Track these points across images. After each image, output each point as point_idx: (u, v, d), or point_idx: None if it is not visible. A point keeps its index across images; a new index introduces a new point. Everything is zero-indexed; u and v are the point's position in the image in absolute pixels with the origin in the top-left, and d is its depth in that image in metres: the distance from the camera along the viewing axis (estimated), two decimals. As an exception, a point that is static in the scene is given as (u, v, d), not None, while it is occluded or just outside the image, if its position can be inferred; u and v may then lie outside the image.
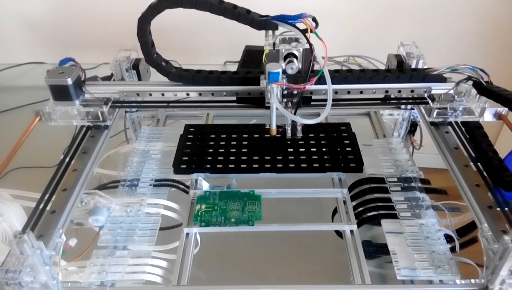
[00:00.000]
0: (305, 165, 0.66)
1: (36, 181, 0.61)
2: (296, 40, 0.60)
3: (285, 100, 0.62)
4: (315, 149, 0.69)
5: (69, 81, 0.63)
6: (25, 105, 1.08)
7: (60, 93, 0.64)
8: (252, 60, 1.03)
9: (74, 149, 0.64)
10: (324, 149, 0.69)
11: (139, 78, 0.77)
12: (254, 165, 0.67)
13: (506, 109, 0.62)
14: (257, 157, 0.68)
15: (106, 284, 0.52)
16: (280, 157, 0.68)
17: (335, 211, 0.64)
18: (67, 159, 0.62)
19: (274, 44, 0.60)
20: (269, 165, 0.66)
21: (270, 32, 0.60)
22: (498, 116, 0.65)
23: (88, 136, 0.68)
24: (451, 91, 0.65)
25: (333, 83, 0.58)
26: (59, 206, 0.55)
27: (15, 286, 0.46)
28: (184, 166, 0.67)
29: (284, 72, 0.59)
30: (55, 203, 0.56)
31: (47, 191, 0.56)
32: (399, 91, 0.67)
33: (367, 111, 0.86)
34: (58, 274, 0.51)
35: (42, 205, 0.54)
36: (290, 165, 0.66)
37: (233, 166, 0.67)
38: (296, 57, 0.59)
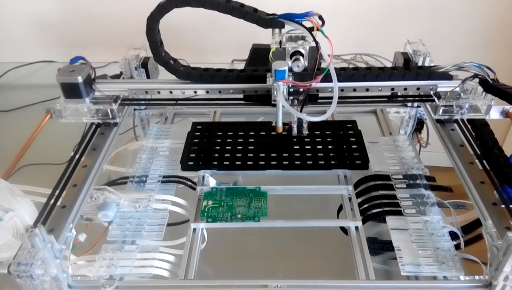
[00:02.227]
0: (311, 162, 0.67)
1: (47, 177, 0.62)
2: (303, 38, 0.60)
3: (291, 97, 0.63)
4: (321, 146, 0.70)
5: (80, 79, 0.64)
6: (36, 103, 1.10)
7: (71, 91, 0.65)
8: (259, 58, 1.04)
9: (84, 146, 0.66)
10: (330, 146, 0.70)
11: (148, 76, 0.78)
12: (261, 162, 0.67)
13: (513, 106, 0.62)
14: (263, 154, 0.69)
15: (114, 277, 0.53)
16: (286, 154, 0.68)
17: (340, 208, 0.65)
18: (77, 156, 0.64)
19: (280, 42, 0.61)
20: (275, 162, 0.67)
21: (276, 30, 0.60)
22: (505, 113, 0.65)
23: (98, 133, 0.69)
24: (457, 89, 0.65)
25: (339, 80, 0.59)
26: (70, 202, 0.57)
27: (27, 278, 0.47)
28: (192, 163, 0.68)
29: (290, 70, 0.60)
30: (66, 199, 0.57)
31: (58, 187, 0.58)
32: (405, 89, 0.67)
33: (373, 108, 0.86)
34: (68, 267, 0.52)
35: (53, 200, 0.56)
36: (296, 162, 0.67)
37: (239, 163, 0.67)
38: (302, 55, 0.60)
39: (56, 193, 0.57)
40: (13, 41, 1.40)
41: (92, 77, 0.68)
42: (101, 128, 0.70)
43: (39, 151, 0.74)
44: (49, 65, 1.33)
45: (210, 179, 0.67)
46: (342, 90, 0.67)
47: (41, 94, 1.08)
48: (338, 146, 0.70)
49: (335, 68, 0.59)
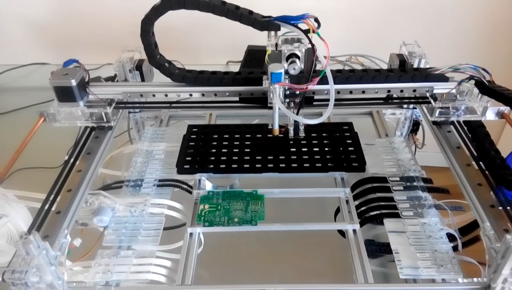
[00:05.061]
0: (307, 165, 0.67)
1: (41, 182, 0.61)
2: (298, 40, 0.60)
3: (288, 100, 0.62)
4: (317, 149, 0.70)
5: (73, 83, 0.63)
6: (29, 106, 1.08)
7: (65, 94, 0.65)
8: (255, 60, 1.04)
9: (78, 150, 0.65)
10: (326, 149, 0.70)
11: (142, 79, 0.77)
12: (257, 165, 0.67)
13: (508, 108, 0.62)
14: (260, 157, 0.68)
15: (111, 284, 0.52)
16: (283, 157, 0.68)
17: (337, 211, 0.64)
18: (72, 160, 0.63)
19: (276, 44, 0.60)
20: (272, 165, 0.67)
21: (272, 32, 0.60)
22: (501, 115, 0.65)
23: (92, 137, 0.68)
24: (453, 91, 0.65)
25: (335, 83, 0.59)
26: (64, 207, 0.56)
27: (21, 286, 0.46)
28: (188, 166, 0.68)
29: (286, 72, 0.60)
30: (60, 204, 0.56)
31: (52, 192, 0.57)
32: (401, 91, 0.67)
33: (369, 110, 0.86)
34: (64, 274, 0.51)
35: (47, 205, 0.55)
36: (293, 165, 0.67)
37: (236, 166, 0.67)
38: (298, 57, 0.59)
39: (51, 198, 0.56)
40: (5, 43, 1.39)
41: (86, 80, 0.68)
42: (95, 131, 0.69)
43: (33, 155, 0.73)
44: (42, 67, 1.32)
45: (207, 183, 0.66)
46: (338, 92, 0.67)
47: (34, 97, 1.07)
48: (334, 148, 0.70)
49: (331, 70, 0.59)
